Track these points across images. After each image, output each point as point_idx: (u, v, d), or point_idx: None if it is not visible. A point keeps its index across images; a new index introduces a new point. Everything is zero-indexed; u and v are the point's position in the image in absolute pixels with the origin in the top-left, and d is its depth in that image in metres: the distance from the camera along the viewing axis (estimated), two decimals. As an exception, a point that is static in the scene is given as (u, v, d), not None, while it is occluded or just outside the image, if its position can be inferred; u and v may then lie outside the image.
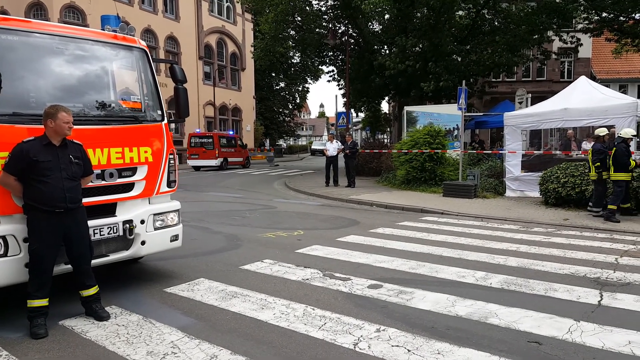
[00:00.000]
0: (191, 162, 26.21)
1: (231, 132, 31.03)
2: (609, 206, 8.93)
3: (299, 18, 22.64)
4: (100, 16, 5.08)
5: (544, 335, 3.59)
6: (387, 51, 22.03)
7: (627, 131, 9.09)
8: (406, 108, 18.55)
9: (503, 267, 5.66)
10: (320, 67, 32.20)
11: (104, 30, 4.72)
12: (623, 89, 31.40)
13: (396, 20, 20.69)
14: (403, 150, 14.62)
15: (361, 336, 3.58)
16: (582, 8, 19.65)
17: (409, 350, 3.33)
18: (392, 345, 3.41)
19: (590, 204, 9.57)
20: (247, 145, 31.54)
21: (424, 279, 5.18)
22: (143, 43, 4.98)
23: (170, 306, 4.30)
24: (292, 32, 23.76)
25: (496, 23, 20.91)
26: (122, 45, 4.75)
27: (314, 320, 3.91)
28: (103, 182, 4.30)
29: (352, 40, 23.28)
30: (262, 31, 23.20)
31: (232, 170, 25.56)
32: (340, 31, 23.51)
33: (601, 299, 4.43)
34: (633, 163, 8.82)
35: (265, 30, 22.28)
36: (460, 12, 21.13)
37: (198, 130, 28.21)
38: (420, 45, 18.96)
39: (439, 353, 3.29)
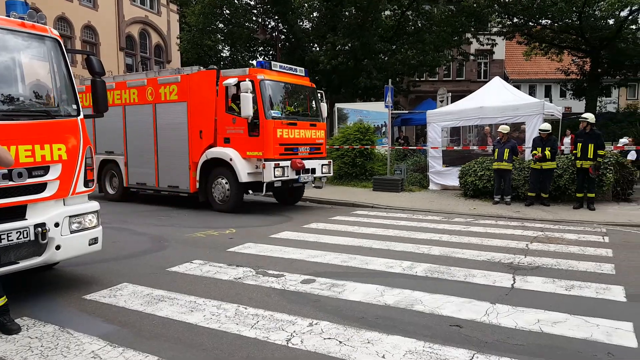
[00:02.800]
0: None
1: None
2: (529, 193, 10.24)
3: (228, 11, 22.14)
4: (4, 1, 4.62)
5: (464, 318, 3.83)
6: (318, 48, 22.21)
7: (543, 125, 10.35)
8: (337, 105, 18.86)
9: (427, 256, 5.96)
10: (250, 61, 31.75)
11: (9, 17, 4.31)
12: (533, 88, 34.24)
13: (325, 18, 20.94)
14: (335, 146, 14.86)
15: (294, 332, 3.60)
16: (496, 13, 21.14)
17: (340, 342, 3.40)
18: (325, 338, 3.47)
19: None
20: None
21: (355, 271, 5.31)
22: (55, 32, 4.61)
23: (90, 314, 4.04)
24: (221, 25, 23.19)
25: (419, 24, 21.85)
26: (31, 34, 4.36)
27: (246, 319, 3.87)
28: (11, 183, 3.93)
29: (283, 37, 23.19)
30: (188, 23, 22.40)
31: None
32: (270, 26, 23.33)
33: (514, 282, 4.80)
34: (533, 153, 10.07)
35: (192, 23, 21.54)
36: (387, 12, 21.82)
37: None
38: (350, 44, 19.39)
39: (368, 342, 3.39)
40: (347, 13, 20.18)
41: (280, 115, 9.29)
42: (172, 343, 3.44)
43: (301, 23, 22.70)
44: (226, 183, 9.47)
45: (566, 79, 25.60)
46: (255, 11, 23.11)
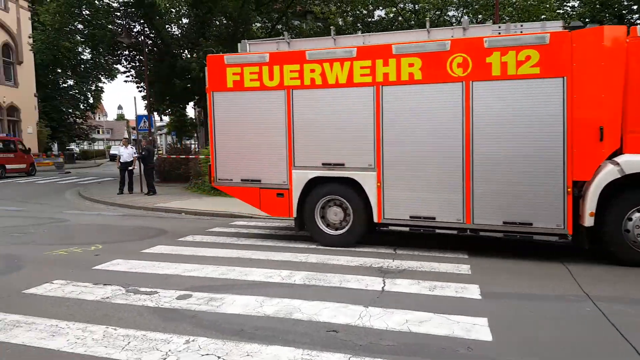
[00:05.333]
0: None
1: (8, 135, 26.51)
2: None
3: (87, 12, 20.27)
4: None
5: (340, 323, 4.03)
6: (189, 55, 21.52)
7: None
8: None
9: (305, 264, 6.14)
10: (115, 66, 29.45)
11: None
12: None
13: (195, 25, 20.46)
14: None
15: (169, 350, 3.44)
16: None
17: (219, 357, 3.34)
18: (202, 355, 3.38)
19: None
20: (30, 149, 26.89)
21: (234, 283, 5.26)
22: None
23: None
24: (81, 26, 21.15)
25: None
26: None
27: (116, 341, 3.59)
28: None
29: (150, 41, 21.98)
30: (42, 22, 20.04)
31: (12, 179, 21.91)
32: (135, 30, 21.96)
33: (384, 285, 5.18)
34: None
35: (46, 22, 19.29)
36: (258, 24, 22.14)
37: None
38: (222, 52, 19.27)
39: (248, 355, 3.39)
40: (217, 22, 19.95)
41: None
42: (26, 378, 3.05)
43: (170, 29, 21.78)
44: None
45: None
46: (118, 13, 21.54)
